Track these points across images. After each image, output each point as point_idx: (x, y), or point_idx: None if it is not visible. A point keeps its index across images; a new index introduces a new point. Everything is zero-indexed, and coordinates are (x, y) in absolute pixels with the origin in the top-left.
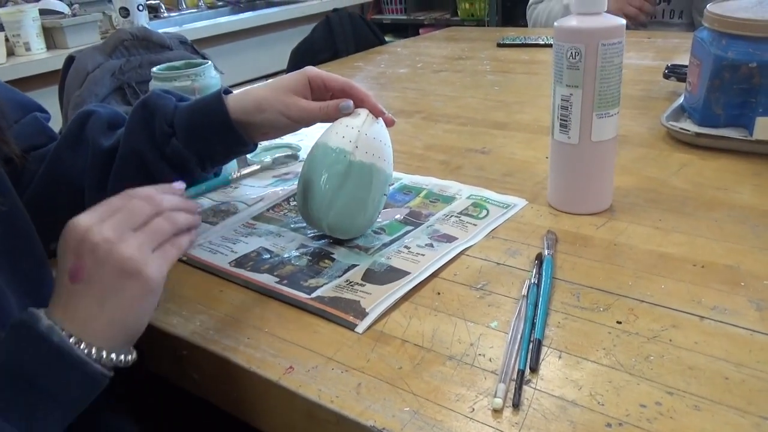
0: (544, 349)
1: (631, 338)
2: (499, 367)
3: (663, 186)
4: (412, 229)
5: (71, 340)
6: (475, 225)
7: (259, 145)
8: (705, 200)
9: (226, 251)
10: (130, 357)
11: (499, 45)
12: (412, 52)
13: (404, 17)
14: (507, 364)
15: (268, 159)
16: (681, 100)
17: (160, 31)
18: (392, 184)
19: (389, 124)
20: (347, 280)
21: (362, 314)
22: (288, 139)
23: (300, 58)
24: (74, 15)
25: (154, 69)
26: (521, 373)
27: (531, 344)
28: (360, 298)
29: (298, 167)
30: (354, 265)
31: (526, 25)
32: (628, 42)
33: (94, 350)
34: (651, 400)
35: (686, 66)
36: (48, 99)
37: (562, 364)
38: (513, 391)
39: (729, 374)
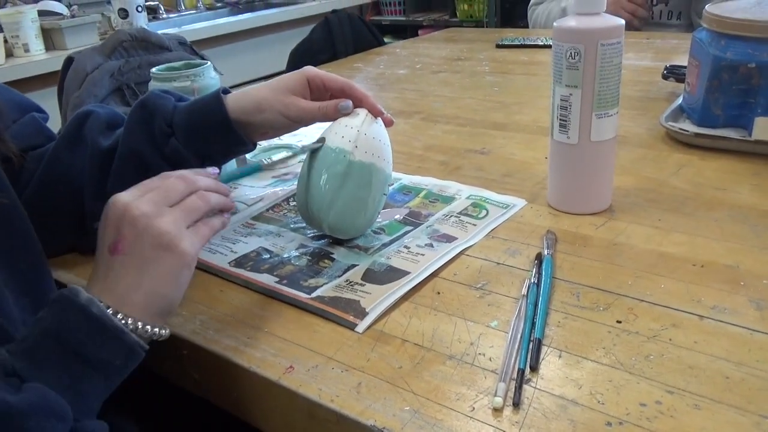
0: (544, 349)
1: (631, 337)
2: (500, 367)
3: (662, 186)
4: (412, 229)
5: (110, 311)
6: (475, 225)
7: (258, 146)
8: (704, 200)
9: (226, 251)
10: (164, 331)
11: (498, 46)
12: (411, 53)
13: (403, 18)
14: (507, 364)
15: (282, 154)
16: (680, 100)
17: (159, 32)
18: (392, 185)
19: (388, 124)
20: (347, 280)
21: (362, 314)
22: (286, 139)
23: (299, 59)
24: (73, 16)
25: (154, 69)
26: (521, 372)
27: (531, 343)
28: (360, 298)
29: (297, 167)
30: (354, 265)
31: (524, 26)
32: (626, 43)
33: (130, 321)
34: (651, 399)
35: (685, 67)
36: (47, 100)
37: (563, 364)
38: (513, 390)
39: (729, 373)
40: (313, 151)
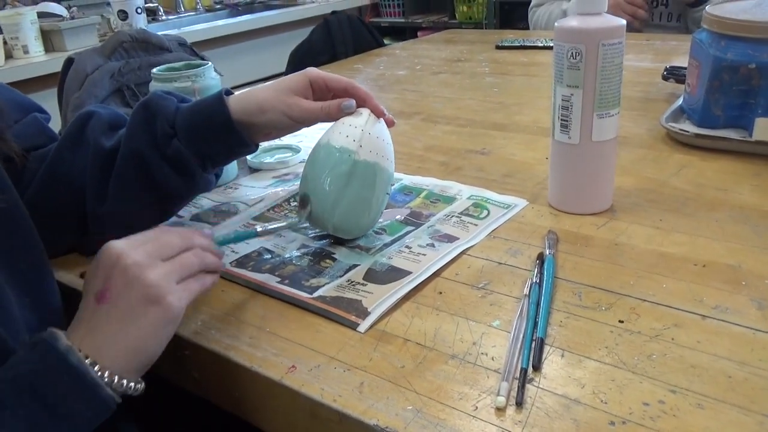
0: (546, 348)
1: (634, 337)
2: (502, 366)
3: (663, 186)
4: (413, 230)
5: (88, 361)
6: (476, 225)
7: (259, 147)
8: (705, 201)
9: (227, 251)
10: (139, 386)
11: (498, 47)
12: (411, 54)
13: (402, 20)
14: (510, 363)
15: (294, 220)
16: (680, 101)
17: (159, 33)
18: (393, 184)
19: (390, 124)
20: (349, 280)
21: (364, 313)
22: (288, 140)
23: (299, 61)
24: (73, 18)
25: (154, 70)
26: (524, 371)
27: (533, 343)
28: (362, 298)
29: (298, 168)
30: (355, 265)
31: (523, 28)
32: (627, 44)
33: (107, 374)
34: (654, 398)
35: (685, 67)
36: (46, 101)
37: (565, 363)
38: (516, 389)
39: (732, 373)
40: (315, 151)
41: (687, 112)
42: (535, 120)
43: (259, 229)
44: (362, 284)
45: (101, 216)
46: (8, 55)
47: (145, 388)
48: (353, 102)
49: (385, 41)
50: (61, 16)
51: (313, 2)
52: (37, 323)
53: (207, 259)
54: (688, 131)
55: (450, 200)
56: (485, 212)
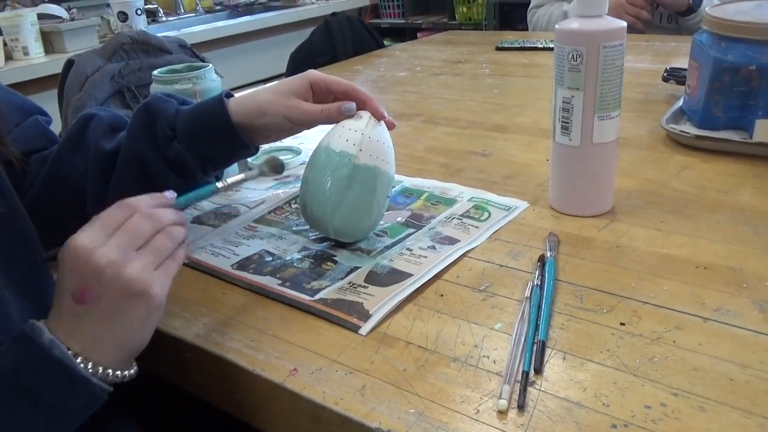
0: (548, 351)
1: (635, 340)
2: (504, 369)
3: (664, 188)
4: (414, 232)
5: (75, 357)
6: (477, 227)
7: (260, 149)
8: (706, 202)
9: (228, 254)
10: (130, 372)
11: (498, 48)
12: (411, 56)
13: (402, 21)
14: (511, 366)
15: (254, 171)
16: (680, 102)
17: (159, 35)
18: (394, 187)
19: (390, 127)
20: (350, 282)
21: (366, 316)
22: (288, 142)
23: (299, 62)
24: (72, 19)
25: (155, 72)
26: (526, 374)
27: (535, 346)
28: (363, 300)
29: (299, 170)
30: (356, 268)
31: (523, 29)
32: (626, 45)
33: (99, 368)
34: (656, 401)
35: (685, 69)
36: (46, 103)
37: (567, 366)
38: (518, 392)
39: (733, 375)
40: (316, 155)
41: (687, 114)
42: (535, 121)
43: (219, 185)
44: (363, 287)
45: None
46: (8, 57)
47: (147, 390)
48: (354, 105)
49: (385, 42)
50: (60, 17)
51: (313, 3)
52: None
53: (178, 235)
54: (688, 133)
55: (451, 202)
56: (486, 214)
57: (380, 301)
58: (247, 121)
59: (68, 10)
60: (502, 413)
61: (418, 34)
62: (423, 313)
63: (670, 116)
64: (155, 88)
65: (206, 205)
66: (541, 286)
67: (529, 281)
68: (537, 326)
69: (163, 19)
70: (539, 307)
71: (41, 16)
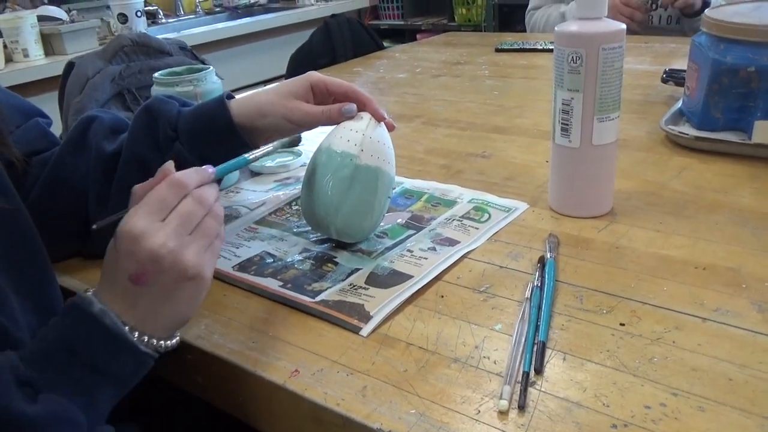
0: (548, 351)
1: (635, 340)
2: (504, 370)
3: (663, 189)
4: (415, 233)
5: (126, 327)
6: (477, 228)
7: None
8: (705, 203)
9: (230, 255)
10: (173, 341)
11: (498, 50)
12: (410, 57)
13: (401, 23)
14: (512, 367)
15: (276, 143)
16: (679, 104)
17: (159, 37)
18: (394, 188)
19: (390, 129)
20: (351, 284)
21: (366, 317)
22: None
23: (299, 64)
24: (72, 21)
25: (156, 74)
26: (526, 375)
27: (535, 346)
28: (364, 302)
29: (299, 172)
30: (357, 269)
31: (522, 31)
32: (625, 47)
33: (145, 338)
34: (656, 401)
35: (684, 70)
36: (46, 105)
37: (567, 366)
38: (518, 393)
39: (732, 375)
40: (317, 156)
41: (686, 115)
42: (535, 123)
43: (249, 157)
44: (364, 288)
45: (102, 219)
46: (8, 59)
47: (149, 391)
48: (354, 106)
49: (385, 44)
50: (61, 19)
51: (313, 5)
52: (39, 327)
53: (221, 214)
54: (687, 134)
55: (451, 204)
56: (486, 216)
57: (381, 303)
58: (248, 122)
59: (68, 12)
60: (502, 413)
61: (418, 36)
62: (423, 314)
63: (669, 117)
64: (156, 91)
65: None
66: (541, 287)
67: (529, 282)
68: (537, 327)
69: (163, 20)
70: (539, 307)
71: (41, 18)
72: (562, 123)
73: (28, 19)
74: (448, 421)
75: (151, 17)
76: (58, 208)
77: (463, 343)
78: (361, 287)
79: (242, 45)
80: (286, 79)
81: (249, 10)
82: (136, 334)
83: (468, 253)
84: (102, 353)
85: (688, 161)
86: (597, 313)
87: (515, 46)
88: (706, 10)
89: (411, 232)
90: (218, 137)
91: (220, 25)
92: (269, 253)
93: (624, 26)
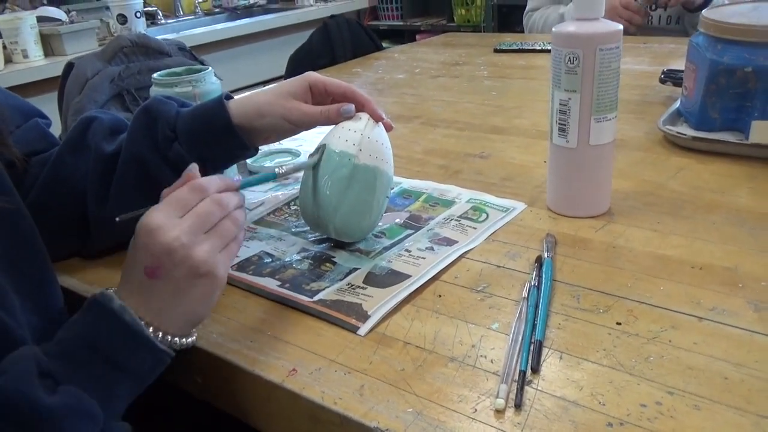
0: (545, 350)
1: (631, 339)
2: (501, 368)
3: (661, 189)
4: (413, 233)
5: (143, 323)
6: (475, 228)
7: (259, 151)
8: (702, 203)
9: None
10: (190, 339)
11: (496, 50)
12: (409, 58)
13: (400, 23)
14: (508, 365)
15: (311, 160)
16: (677, 104)
17: (158, 37)
18: (392, 188)
19: (388, 129)
20: (349, 284)
21: (364, 317)
22: (287, 144)
23: (298, 64)
24: (72, 22)
25: (155, 75)
26: (523, 373)
27: (532, 345)
28: (362, 301)
29: (298, 173)
30: (355, 269)
31: (521, 31)
32: (624, 47)
33: (161, 334)
34: (651, 399)
35: (682, 71)
36: (46, 106)
37: (563, 365)
38: (515, 391)
39: (728, 374)
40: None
41: (684, 116)
42: (533, 123)
43: (278, 170)
44: (362, 288)
45: (103, 220)
46: (8, 60)
47: (147, 391)
48: (352, 106)
49: (384, 44)
50: (60, 20)
51: (312, 6)
52: (40, 326)
53: (241, 220)
54: (685, 134)
55: (449, 204)
56: (484, 215)
57: (379, 302)
58: (246, 122)
59: (67, 12)
60: (499, 412)
61: (417, 37)
62: (421, 314)
63: (667, 118)
64: (155, 91)
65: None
66: (539, 287)
67: (526, 282)
68: (534, 326)
69: (162, 21)
70: (536, 307)
71: (40, 19)
72: (559, 123)
73: (28, 19)
74: (445, 420)
75: (151, 18)
76: (57, 208)
77: (460, 342)
78: (359, 287)
79: (241, 46)
80: (285, 79)
81: (248, 11)
82: (152, 330)
83: (466, 252)
84: (122, 349)
85: (686, 161)
86: (594, 312)
87: (514, 47)
88: (704, 10)
89: (409, 232)
90: (217, 138)
91: (219, 26)
92: (268, 253)
93: (621, 27)
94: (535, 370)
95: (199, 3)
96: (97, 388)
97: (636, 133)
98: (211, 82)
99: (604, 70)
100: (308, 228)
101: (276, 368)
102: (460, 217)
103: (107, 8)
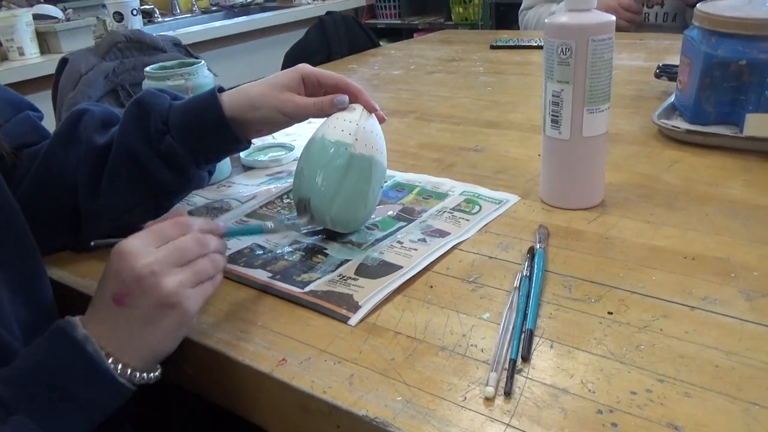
0: (536, 340)
1: (623, 328)
2: (491, 357)
3: (654, 182)
4: (405, 225)
5: (106, 355)
6: (468, 220)
7: (253, 144)
8: (696, 195)
9: None
10: (154, 374)
11: (492, 47)
12: (405, 54)
13: (398, 22)
14: (499, 354)
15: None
16: (672, 98)
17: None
18: (386, 181)
19: (381, 120)
20: (340, 275)
21: (355, 307)
22: (281, 138)
23: (294, 61)
24: (68, 20)
25: (148, 68)
26: (513, 362)
27: (523, 334)
28: (353, 292)
29: (291, 166)
30: (347, 260)
31: (518, 29)
32: (620, 43)
33: (122, 367)
34: (642, 387)
35: (677, 66)
36: (41, 103)
37: (554, 354)
38: (505, 380)
39: (719, 362)
40: (310, 146)
41: (679, 109)
42: (528, 118)
43: (270, 225)
44: (353, 279)
45: (94, 212)
46: (3, 57)
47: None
48: (346, 97)
49: (381, 43)
50: (56, 17)
51: (309, 4)
52: (29, 319)
53: (221, 264)
54: (679, 128)
55: (442, 196)
56: (477, 208)
57: (370, 293)
58: (239, 115)
59: (64, 10)
60: (488, 400)
61: (415, 35)
62: (412, 304)
63: (662, 112)
64: (147, 84)
65: (198, 200)
66: (530, 277)
67: (518, 272)
68: (525, 315)
69: (159, 19)
70: (528, 296)
71: (37, 17)
72: (552, 115)
73: (24, 17)
74: (434, 408)
75: (147, 16)
76: (48, 201)
77: (451, 332)
78: (350, 278)
79: (238, 44)
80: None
81: (245, 9)
82: (113, 361)
83: (458, 244)
84: (80, 382)
85: (680, 154)
86: (585, 302)
87: (510, 43)
88: (699, 4)
89: (402, 224)
90: (210, 130)
91: (216, 24)
92: (259, 245)
93: (613, 18)
94: (526, 358)
95: (195, 1)
96: (49, 419)
97: (631, 127)
98: (203, 76)
99: (596, 61)
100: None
101: (266, 358)
102: (453, 209)
103: (104, 6)
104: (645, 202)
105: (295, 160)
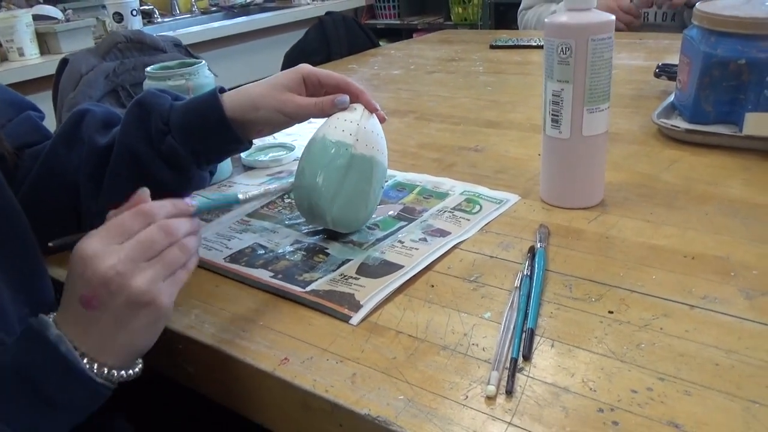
0: (536, 339)
1: (623, 327)
2: (492, 356)
3: (654, 181)
4: (406, 225)
5: (81, 356)
6: (469, 220)
7: (253, 145)
8: (696, 194)
9: (221, 247)
10: (135, 370)
11: (492, 47)
12: (405, 54)
13: (398, 22)
14: (500, 353)
15: (260, 191)
16: (671, 98)
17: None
18: (387, 181)
19: (381, 120)
20: (341, 274)
21: (357, 306)
22: (282, 138)
23: (294, 61)
24: (68, 20)
25: (148, 68)
26: (514, 361)
27: (524, 333)
28: (354, 291)
29: (292, 166)
30: (348, 260)
31: (518, 29)
32: (620, 43)
33: (98, 366)
34: (642, 385)
35: (676, 65)
36: (41, 104)
37: (555, 353)
38: (506, 378)
39: (719, 360)
40: (311, 146)
41: (678, 109)
42: (528, 117)
43: (240, 196)
44: (355, 278)
45: (95, 213)
46: (3, 58)
47: (138, 382)
48: (347, 97)
49: (381, 43)
50: (56, 18)
51: (308, 4)
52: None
53: (192, 247)
54: (679, 127)
55: (443, 196)
56: (477, 207)
57: (371, 292)
58: (240, 115)
59: (63, 11)
60: (490, 399)
61: (414, 35)
62: (414, 304)
63: (662, 111)
64: (148, 85)
65: (199, 200)
66: (531, 276)
67: (519, 271)
68: (526, 315)
69: (159, 19)
70: (528, 295)
71: (36, 17)
72: (552, 114)
73: (24, 18)
74: (435, 407)
75: (147, 16)
76: (49, 201)
77: (452, 331)
78: (351, 277)
79: (238, 44)
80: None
81: (245, 10)
82: (89, 361)
83: (459, 243)
84: (54, 383)
85: (680, 154)
86: (586, 301)
87: (510, 43)
88: (698, 3)
89: (402, 223)
90: (211, 131)
91: (215, 24)
92: (261, 245)
93: (613, 17)
94: (527, 357)
95: (195, 1)
96: (23, 422)
97: (630, 126)
98: (204, 76)
99: (596, 60)
100: (302, 220)
101: (268, 357)
102: (454, 208)
103: (103, 6)
104: (645, 202)
105: (295, 160)
